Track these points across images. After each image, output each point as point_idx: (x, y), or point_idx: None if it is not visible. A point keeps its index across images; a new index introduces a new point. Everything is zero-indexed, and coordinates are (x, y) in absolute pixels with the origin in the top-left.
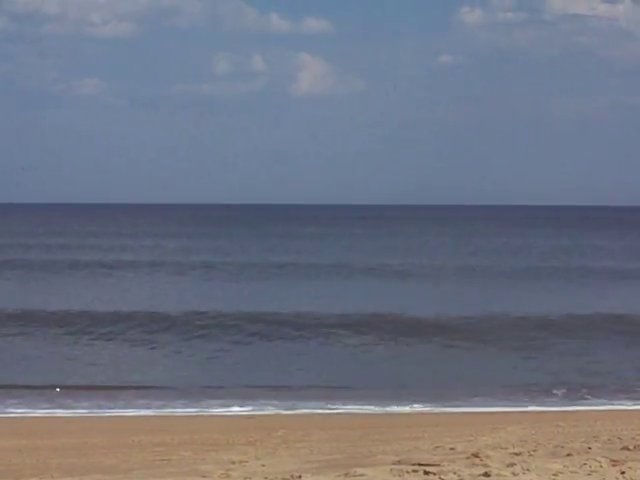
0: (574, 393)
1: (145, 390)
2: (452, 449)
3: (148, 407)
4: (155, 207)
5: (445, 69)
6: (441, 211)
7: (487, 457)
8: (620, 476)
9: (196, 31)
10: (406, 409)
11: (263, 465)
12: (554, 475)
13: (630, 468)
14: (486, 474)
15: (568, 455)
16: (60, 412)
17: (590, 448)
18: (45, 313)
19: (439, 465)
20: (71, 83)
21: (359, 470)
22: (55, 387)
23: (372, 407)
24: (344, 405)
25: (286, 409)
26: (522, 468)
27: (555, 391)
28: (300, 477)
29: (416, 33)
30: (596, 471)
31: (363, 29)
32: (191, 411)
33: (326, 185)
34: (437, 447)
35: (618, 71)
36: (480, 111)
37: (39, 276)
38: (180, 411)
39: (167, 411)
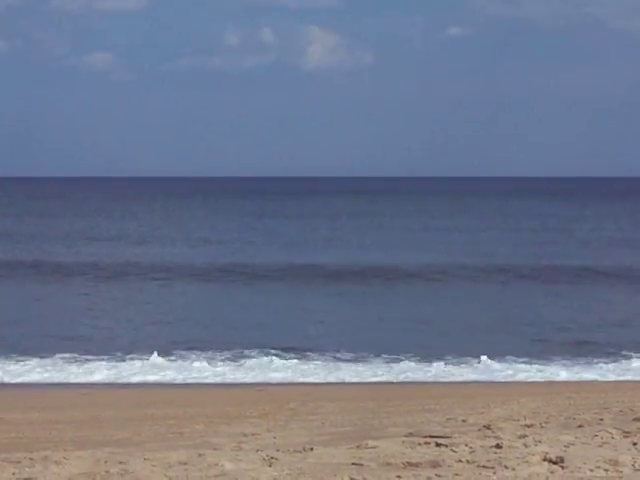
0: None
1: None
2: (464, 421)
3: (160, 380)
4: (165, 180)
5: (454, 41)
6: (458, 184)
7: (499, 429)
8: (632, 447)
9: (205, 4)
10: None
11: (275, 437)
12: (565, 446)
13: None
14: (498, 446)
15: (579, 427)
16: (72, 385)
17: (602, 420)
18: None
19: (451, 437)
20: (81, 58)
21: (371, 442)
22: None
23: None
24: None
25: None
26: (534, 440)
27: None
28: (312, 449)
29: (425, 5)
30: (607, 442)
31: (372, 2)
32: (202, 383)
33: (336, 157)
34: (449, 419)
35: (627, 42)
36: (489, 83)
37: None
38: (191, 384)
39: (179, 384)
